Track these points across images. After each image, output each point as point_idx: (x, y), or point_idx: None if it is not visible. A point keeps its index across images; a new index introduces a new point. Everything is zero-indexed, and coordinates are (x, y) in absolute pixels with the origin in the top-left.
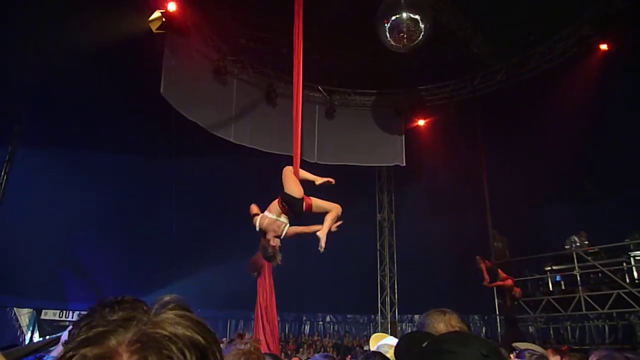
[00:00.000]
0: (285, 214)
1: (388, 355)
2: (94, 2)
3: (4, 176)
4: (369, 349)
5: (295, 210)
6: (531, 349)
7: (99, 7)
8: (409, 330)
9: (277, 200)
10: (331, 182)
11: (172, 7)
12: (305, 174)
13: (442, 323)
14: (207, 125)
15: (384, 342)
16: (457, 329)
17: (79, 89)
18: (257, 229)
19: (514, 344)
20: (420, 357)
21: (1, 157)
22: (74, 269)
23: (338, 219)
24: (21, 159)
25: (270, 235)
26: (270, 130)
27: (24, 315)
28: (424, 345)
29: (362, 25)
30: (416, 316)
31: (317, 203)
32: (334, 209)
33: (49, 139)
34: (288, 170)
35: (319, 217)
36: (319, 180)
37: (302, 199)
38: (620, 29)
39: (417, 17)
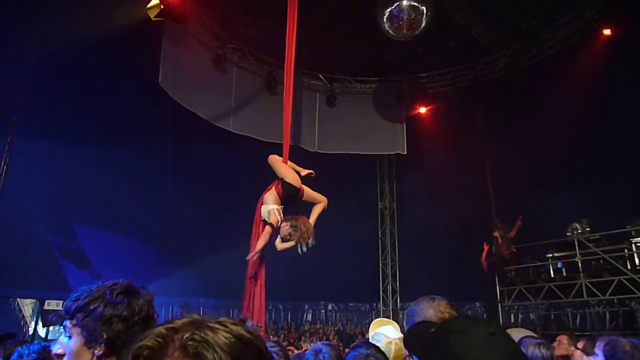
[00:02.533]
0: (282, 203)
1: (382, 344)
2: None
3: (3, 166)
4: (369, 336)
5: (292, 199)
6: (530, 335)
7: None
8: None
9: (274, 189)
10: (312, 174)
11: None
12: (292, 164)
13: (431, 309)
14: (205, 114)
15: (381, 330)
16: (446, 314)
17: (77, 79)
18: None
19: (507, 332)
20: (430, 342)
21: (0, 147)
22: (76, 258)
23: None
24: (20, 149)
25: (284, 223)
26: (270, 119)
27: (27, 306)
28: (432, 330)
29: (363, 12)
30: None
31: (309, 192)
32: (322, 201)
33: (48, 129)
34: (277, 159)
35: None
36: (303, 172)
37: (300, 188)
38: (623, 13)
39: (417, 4)
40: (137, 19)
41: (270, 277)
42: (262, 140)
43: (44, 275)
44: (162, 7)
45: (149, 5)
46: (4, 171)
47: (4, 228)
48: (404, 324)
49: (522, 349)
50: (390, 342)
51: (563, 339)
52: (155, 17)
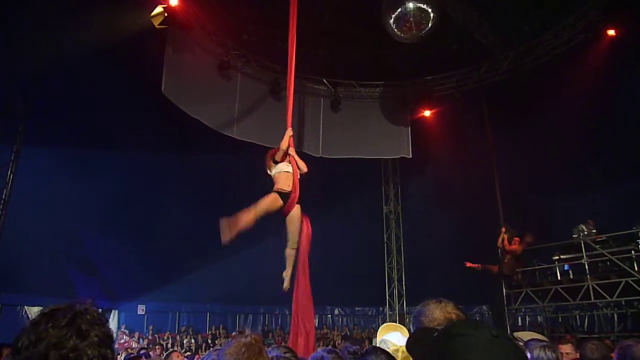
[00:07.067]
0: None
1: (389, 351)
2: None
3: (10, 176)
4: (376, 341)
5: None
6: (536, 338)
7: (101, 3)
8: None
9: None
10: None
11: (174, 1)
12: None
13: (438, 310)
14: (210, 122)
15: (388, 337)
16: (453, 315)
17: (81, 87)
18: None
19: (517, 334)
20: (432, 345)
21: (7, 157)
22: (82, 266)
23: None
24: (27, 158)
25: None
26: (275, 125)
27: (34, 314)
28: (435, 335)
29: (366, 16)
30: None
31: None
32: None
33: (54, 138)
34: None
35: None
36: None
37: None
38: (627, 13)
39: (424, 6)
40: (142, 26)
41: (275, 283)
42: (267, 146)
43: (51, 282)
44: (166, 15)
45: (153, 13)
46: (10, 180)
47: (11, 236)
48: (411, 327)
49: (528, 351)
50: (397, 350)
51: (567, 348)
52: (159, 25)
